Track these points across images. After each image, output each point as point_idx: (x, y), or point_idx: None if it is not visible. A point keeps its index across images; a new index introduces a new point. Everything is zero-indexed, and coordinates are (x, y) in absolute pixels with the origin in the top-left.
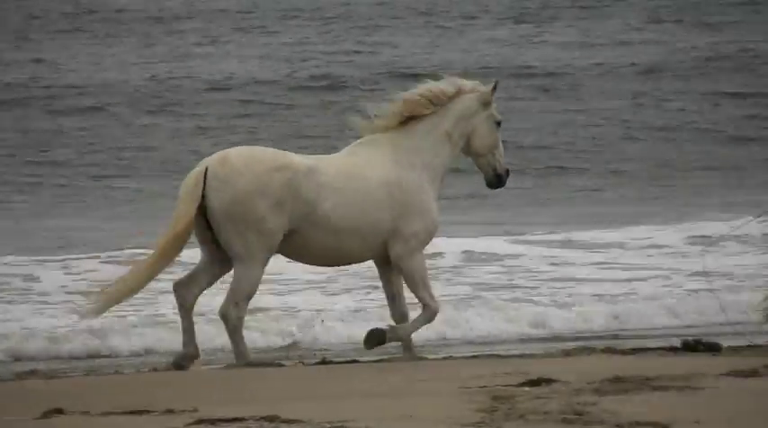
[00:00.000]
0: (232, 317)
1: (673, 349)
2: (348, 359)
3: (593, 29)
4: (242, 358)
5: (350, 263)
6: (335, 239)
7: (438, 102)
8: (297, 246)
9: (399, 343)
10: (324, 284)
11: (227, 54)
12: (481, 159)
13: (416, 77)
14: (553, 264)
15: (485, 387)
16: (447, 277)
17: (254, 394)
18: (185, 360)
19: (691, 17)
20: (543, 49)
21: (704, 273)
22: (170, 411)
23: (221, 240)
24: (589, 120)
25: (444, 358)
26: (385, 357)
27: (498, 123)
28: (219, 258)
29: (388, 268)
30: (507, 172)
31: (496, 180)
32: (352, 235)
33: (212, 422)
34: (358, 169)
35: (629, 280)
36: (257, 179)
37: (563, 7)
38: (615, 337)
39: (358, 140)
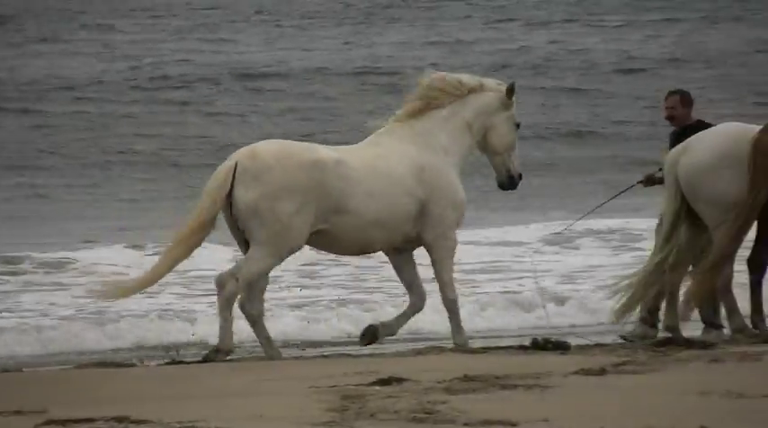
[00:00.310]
0: (227, 289)
1: (522, 347)
2: (198, 359)
3: (434, 28)
4: (224, 338)
5: (376, 251)
6: (364, 231)
7: (456, 92)
8: (326, 239)
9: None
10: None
11: (66, 52)
12: (497, 158)
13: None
14: None
15: (335, 386)
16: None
17: (104, 394)
18: (219, 354)
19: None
20: (381, 48)
21: (534, 273)
22: (19, 412)
23: (244, 229)
24: None
25: (295, 357)
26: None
27: (517, 125)
28: None
29: (401, 257)
30: (520, 175)
31: (509, 181)
32: (381, 225)
33: (62, 423)
34: (382, 159)
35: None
36: (287, 175)
37: (402, 7)
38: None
39: (379, 131)
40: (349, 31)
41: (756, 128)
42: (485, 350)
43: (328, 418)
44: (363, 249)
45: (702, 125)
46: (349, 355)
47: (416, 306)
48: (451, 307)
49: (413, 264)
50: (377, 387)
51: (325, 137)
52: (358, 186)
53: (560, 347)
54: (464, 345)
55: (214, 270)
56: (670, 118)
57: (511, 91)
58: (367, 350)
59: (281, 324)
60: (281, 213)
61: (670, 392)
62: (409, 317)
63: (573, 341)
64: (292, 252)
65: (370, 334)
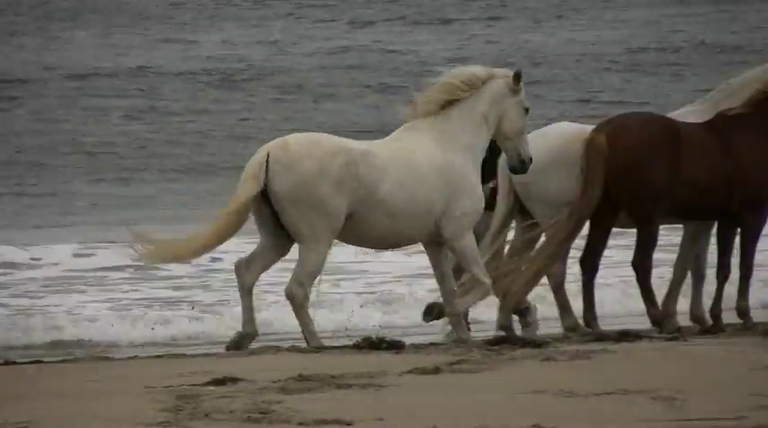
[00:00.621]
0: (298, 297)
1: (357, 347)
2: (32, 359)
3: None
4: (312, 337)
5: (403, 246)
6: (392, 222)
7: (472, 85)
8: (355, 230)
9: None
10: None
11: None
12: (508, 143)
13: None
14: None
15: (170, 386)
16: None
17: None
18: (245, 339)
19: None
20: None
21: None
22: None
23: (285, 223)
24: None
25: (129, 358)
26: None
27: (526, 110)
28: (278, 241)
29: (437, 249)
30: (530, 159)
31: (521, 165)
32: (408, 217)
33: None
34: (408, 153)
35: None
36: (318, 162)
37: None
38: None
39: (401, 127)
40: (173, 30)
41: (589, 128)
42: (319, 349)
43: (162, 418)
44: (392, 242)
45: None
46: (184, 355)
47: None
48: (484, 292)
49: (446, 258)
50: (211, 387)
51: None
52: (386, 175)
53: (395, 346)
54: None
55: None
56: None
57: (518, 77)
58: (201, 350)
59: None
60: (318, 199)
61: (504, 391)
62: (477, 298)
63: (407, 340)
64: (334, 235)
65: (437, 311)
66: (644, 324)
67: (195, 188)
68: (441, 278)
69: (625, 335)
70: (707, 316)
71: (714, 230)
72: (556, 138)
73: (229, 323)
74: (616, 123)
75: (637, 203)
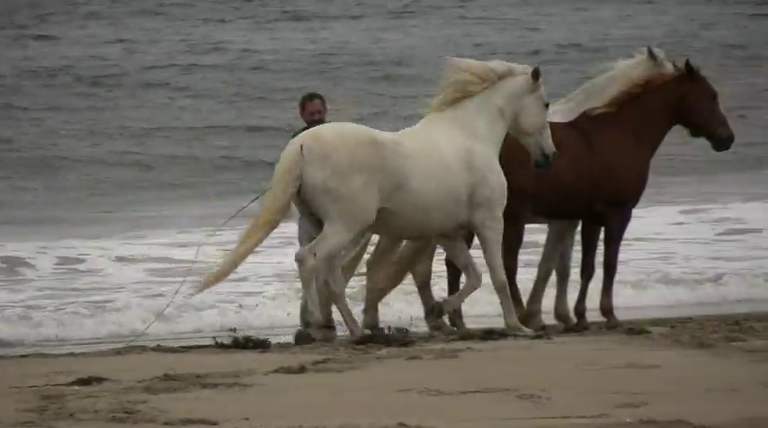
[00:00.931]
0: (307, 265)
1: (222, 346)
2: None
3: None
4: (314, 312)
5: (430, 236)
6: (424, 211)
7: (487, 79)
8: (388, 219)
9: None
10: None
11: None
12: (529, 138)
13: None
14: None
15: (34, 386)
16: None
17: None
18: (312, 328)
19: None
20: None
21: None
22: None
23: (316, 211)
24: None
25: None
26: None
27: (546, 105)
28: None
29: (452, 242)
30: (554, 153)
31: (544, 159)
32: (437, 207)
33: None
34: (432, 144)
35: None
36: (350, 152)
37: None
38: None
39: (422, 119)
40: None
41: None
42: (185, 349)
43: (27, 418)
44: (421, 232)
45: None
46: (49, 355)
47: (474, 285)
48: (502, 289)
49: (465, 247)
50: (76, 387)
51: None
52: (416, 166)
53: (261, 345)
54: (515, 327)
55: None
56: (319, 121)
57: (536, 74)
58: (66, 350)
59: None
60: (350, 189)
61: (370, 389)
62: (468, 294)
63: (273, 339)
64: (363, 228)
65: (437, 311)
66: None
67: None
68: (465, 268)
69: (490, 334)
70: (571, 314)
71: (578, 229)
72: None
73: (92, 327)
74: None
75: None
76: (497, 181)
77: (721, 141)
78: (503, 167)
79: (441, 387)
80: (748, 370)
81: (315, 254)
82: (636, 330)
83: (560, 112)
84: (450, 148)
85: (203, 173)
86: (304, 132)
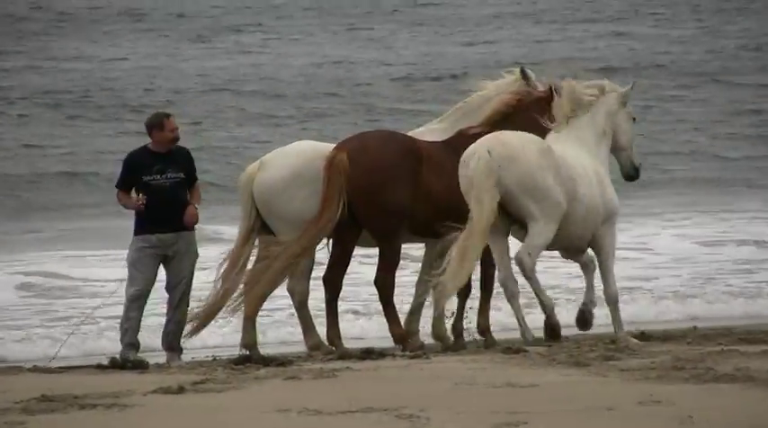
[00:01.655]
0: (526, 265)
1: (100, 367)
2: None
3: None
4: (547, 304)
5: (579, 251)
6: (584, 222)
7: (582, 105)
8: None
9: None
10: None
11: None
12: (623, 154)
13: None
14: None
15: None
16: None
17: None
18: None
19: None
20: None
21: None
22: None
23: (516, 212)
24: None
25: None
26: None
27: (633, 119)
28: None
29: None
30: (641, 164)
31: (635, 172)
32: (591, 218)
33: None
34: (572, 159)
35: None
36: (535, 157)
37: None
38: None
39: (547, 138)
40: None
41: (330, 146)
42: (62, 369)
43: None
44: (575, 244)
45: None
46: None
47: (590, 268)
48: (614, 300)
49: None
50: None
51: None
52: (577, 175)
53: (139, 366)
54: (625, 338)
55: None
56: (178, 138)
57: (628, 92)
58: None
59: None
60: (548, 186)
61: (248, 409)
62: (592, 283)
63: (152, 360)
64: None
65: (587, 317)
66: (387, 342)
67: None
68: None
69: (369, 354)
70: (449, 333)
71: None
72: (297, 157)
73: None
74: (357, 141)
75: (379, 221)
76: (614, 202)
77: None
78: (377, 185)
79: (320, 406)
80: (625, 388)
81: (529, 254)
82: (513, 349)
83: (437, 131)
84: (585, 165)
85: None
86: (483, 139)
